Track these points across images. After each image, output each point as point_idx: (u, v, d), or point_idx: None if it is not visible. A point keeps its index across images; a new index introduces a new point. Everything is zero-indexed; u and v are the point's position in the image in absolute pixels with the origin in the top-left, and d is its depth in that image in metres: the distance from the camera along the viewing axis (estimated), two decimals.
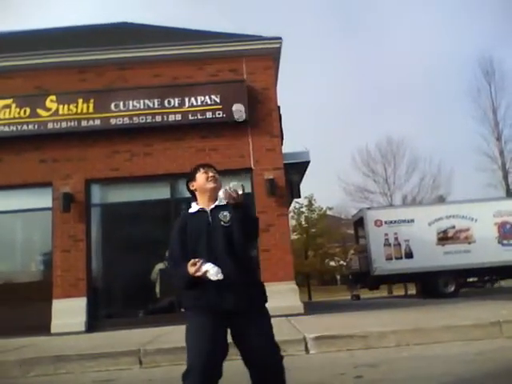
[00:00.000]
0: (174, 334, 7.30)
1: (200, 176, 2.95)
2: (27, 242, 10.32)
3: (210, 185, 2.91)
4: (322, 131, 61.50)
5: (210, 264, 2.63)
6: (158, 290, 9.79)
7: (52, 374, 5.52)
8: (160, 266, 9.86)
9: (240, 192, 2.69)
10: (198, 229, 2.82)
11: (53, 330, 8.78)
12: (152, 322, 8.83)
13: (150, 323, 8.80)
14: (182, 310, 2.88)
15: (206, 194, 2.92)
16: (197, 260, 2.62)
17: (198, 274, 2.60)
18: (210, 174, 2.94)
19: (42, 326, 8.80)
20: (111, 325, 9.07)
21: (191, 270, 2.60)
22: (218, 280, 2.61)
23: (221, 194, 2.73)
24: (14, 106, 9.69)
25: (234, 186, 2.70)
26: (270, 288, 9.81)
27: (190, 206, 3.00)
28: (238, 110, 3.36)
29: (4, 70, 10.02)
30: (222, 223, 2.82)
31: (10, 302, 9.53)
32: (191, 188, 3.01)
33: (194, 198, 3.01)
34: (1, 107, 9.68)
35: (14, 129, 9.62)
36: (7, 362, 5.88)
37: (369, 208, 20.06)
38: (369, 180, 35.14)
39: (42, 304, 9.16)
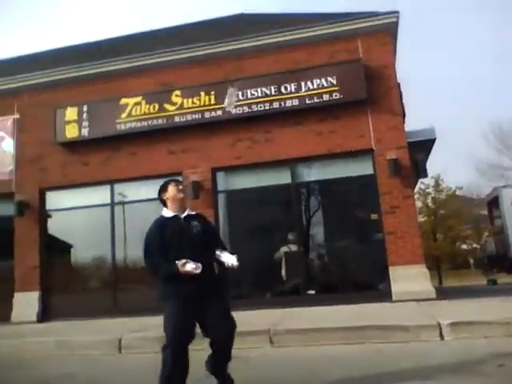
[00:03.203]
0: (301, 316, 7.42)
1: (171, 188, 3.68)
2: None
3: (180, 195, 3.68)
4: (449, 106, 57.66)
5: (191, 263, 3.36)
6: (283, 272, 9.99)
7: (191, 350, 5.75)
8: (284, 249, 10.03)
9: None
10: (175, 231, 3.54)
11: None
12: (278, 304, 9.03)
13: (276, 304, 9.01)
14: (161, 299, 3.61)
15: (177, 203, 3.66)
16: (184, 261, 3.34)
17: (184, 270, 3.33)
18: (180, 187, 3.71)
19: None
20: (241, 305, 9.42)
21: (181, 268, 3.34)
22: (196, 273, 3.35)
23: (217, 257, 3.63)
24: (143, 102, 10.41)
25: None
26: (398, 272, 9.62)
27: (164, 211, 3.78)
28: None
29: (133, 71, 10.81)
30: (195, 230, 3.58)
31: (149, 282, 10.19)
32: (163, 198, 3.73)
33: (165, 206, 3.75)
34: (132, 105, 10.46)
35: (145, 124, 10.34)
36: (149, 338, 6.36)
37: (504, 186, 18.43)
38: (503, 156, 32.44)
39: None
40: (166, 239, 3.53)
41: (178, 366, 3.39)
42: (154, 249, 3.55)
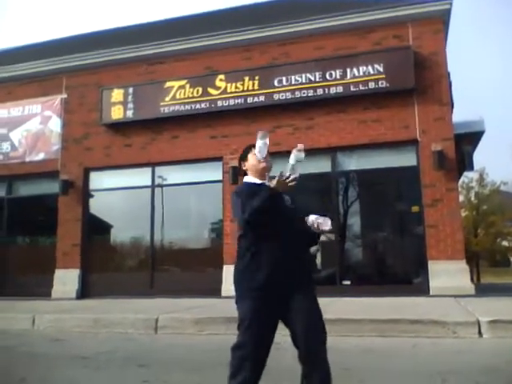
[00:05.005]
0: (336, 306, 7.36)
1: (252, 157, 2.95)
2: (200, 212, 11.21)
3: (262, 165, 2.91)
4: (501, 97, 55.50)
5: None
6: (318, 261, 9.94)
7: (223, 333, 5.81)
8: (320, 237, 9.95)
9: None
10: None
11: (223, 294, 9.24)
12: None
13: None
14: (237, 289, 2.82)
15: (257, 174, 2.94)
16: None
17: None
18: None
19: (213, 289, 9.53)
20: None
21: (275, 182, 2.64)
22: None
23: (310, 220, 2.86)
24: (188, 86, 10.46)
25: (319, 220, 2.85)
26: (437, 266, 9.42)
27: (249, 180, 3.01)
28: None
29: (179, 54, 10.88)
30: (289, 204, 2.94)
31: (185, 265, 10.64)
32: (243, 167, 3.04)
33: (244, 175, 3.05)
34: (177, 88, 10.53)
35: (189, 108, 10.40)
36: (185, 320, 6.49)
37: None
38: None
39: (214, 269, 9.94)
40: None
41: (251, 370, 2.65)
42: (250, 196, 2.74)
